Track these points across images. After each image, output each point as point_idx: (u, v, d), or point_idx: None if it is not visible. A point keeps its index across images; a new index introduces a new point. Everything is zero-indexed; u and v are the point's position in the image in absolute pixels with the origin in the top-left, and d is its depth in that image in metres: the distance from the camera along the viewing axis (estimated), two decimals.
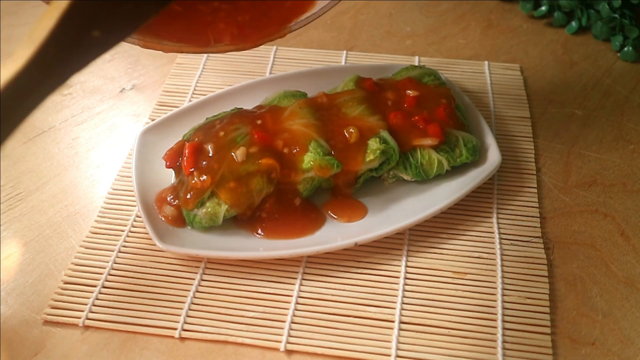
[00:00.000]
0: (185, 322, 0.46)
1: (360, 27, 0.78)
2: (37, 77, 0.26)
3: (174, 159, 0.53)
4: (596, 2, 0.75)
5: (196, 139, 0.52)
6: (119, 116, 0.66)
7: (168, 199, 0.52)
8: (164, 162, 0.54)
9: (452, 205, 0.53)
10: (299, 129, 0.52)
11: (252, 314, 0.47)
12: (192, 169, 0.50)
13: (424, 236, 0.53)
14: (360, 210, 0.53)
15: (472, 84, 0.69)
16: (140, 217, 0.53)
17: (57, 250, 0.52)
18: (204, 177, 0.49)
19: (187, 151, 0.51)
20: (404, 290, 0.49)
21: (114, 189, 0.57)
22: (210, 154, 0.51)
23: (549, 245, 0.52)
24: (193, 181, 0.49)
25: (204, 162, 0.50)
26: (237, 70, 0.70)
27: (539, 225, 0.53)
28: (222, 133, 0.52)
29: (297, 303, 0.48)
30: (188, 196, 0.49)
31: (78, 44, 0.28)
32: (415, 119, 0.54)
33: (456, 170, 0.55)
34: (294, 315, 0.47)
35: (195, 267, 0.50)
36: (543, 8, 0.78)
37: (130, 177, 0.56)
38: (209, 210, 0.49)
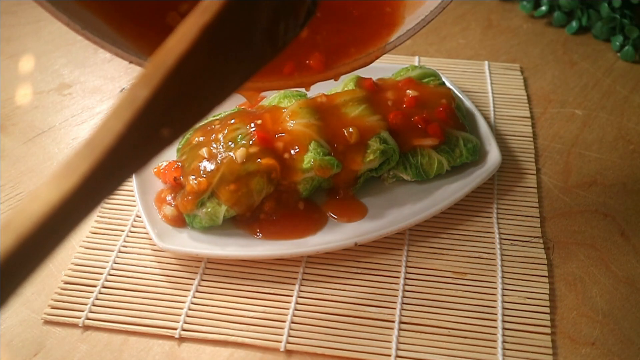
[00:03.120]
0: (185, 322, 0.46)
1: None
2: (92, 189, 0.22)
3: (165, 176, 0.53)
4: (596, 2, 0.75)
5: (178, 164, 0.52)
6: None
7: (167, 199, 0.52)
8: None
9: (452, 205, 0.53)
10: (299, 129, 0.52)
11: (252, 314, 0.47)
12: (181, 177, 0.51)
13: (424, 236, 0.53)
14: (360, 210, 0.53)
15: (472, 84, 0.69)
16: (140, 217, 0.53)
17: (57, 250, 0.52)
18: (201, 179, 0.49)
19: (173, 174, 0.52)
20: (404, 290, 0.49)
21: None
22: (210, 155, 0.51)
23: (549, 245, 0.52)
24: (191, 184, 0.49)
25: (203, 164, 0.50)
26: None
27: (539, 225, 0.53)
28: (222, 133, 0.52)
29: (297, 303, 0.48)
30: (186, 199, 0.49)
31: (145, 145, 0.24)
32: (415, 119, 0.54)
33: (456, 170, 0.55)
34: (294, 315, 0.47)
35: (195, 267, 0.50)
36: (543, 8, 0.78)
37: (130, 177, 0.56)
38: (209, 210, 0.49)
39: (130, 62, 0.37)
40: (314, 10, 0.32)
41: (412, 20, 0.40)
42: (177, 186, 0.52)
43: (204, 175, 0.50)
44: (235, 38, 0.25)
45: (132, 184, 0.53)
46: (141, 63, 0.36)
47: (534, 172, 0.58)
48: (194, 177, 0.50)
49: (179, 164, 0.52)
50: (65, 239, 0.21)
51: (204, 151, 0.51)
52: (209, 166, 0.50)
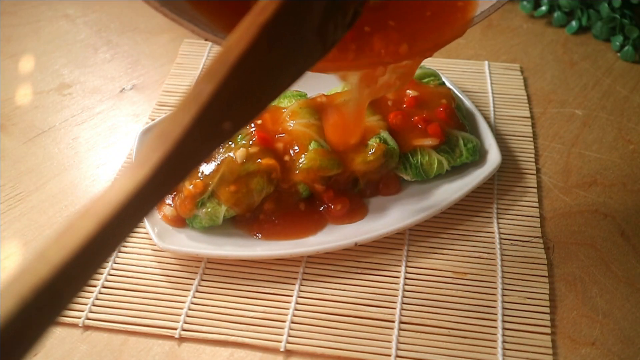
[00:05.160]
0: (185, 322, 0.46)
1: None
2: (162, 179, 0.23)
3: None
4: (596, 2, 0.75)
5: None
6: (119, 116, 0.66)
7: (165, 199, 0.52)
8: None
9: (452, 205, 0.53)
10: (299, 129, 0.52)
11: (252, 314, 0.47)
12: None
13: (424, 236, 0.53)
14: (360, 210, 0.53)
15: (472, 84, 0.69)
16: None
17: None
18: (197, 180, 0.49)
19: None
20: (404, 290, 0.49)
21: None
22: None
23: (549, 245, 0.52)
24: (188, 188, 0.49)
25: (202, 166, 0.50)
26: None
27: (539, 225, 0.53)
28: None
29: (297, 303, 0.48)
30: (184, 203, 0.50)
31: (209, 138, 0.25)
32: (415, 119, 0.54)
33: (456, 170, 0.55)
34: (294, 315, 0.47)
35: (195, 267, 0.50)
36: (543, 8, 0.78)
37: None
38: (209, 210, 0.49)
39: (206, 39, 0.37)
40: (360, 10, 0.33)
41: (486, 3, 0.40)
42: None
43: (201, 177, 0.50)
44: (290, 36, 0.27)
45: None
46: (217, 40, 0.36)
47: (534, 172, 0.58)
48: (189, 181, 0.50)
49: None
50: (137, 225, 0.23)
51: None
52: (207, 168, 0.50)
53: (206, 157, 0.26)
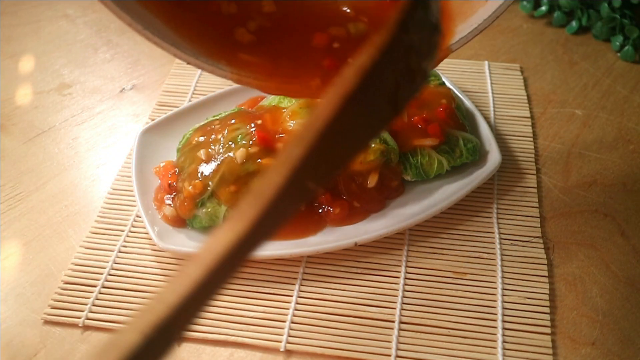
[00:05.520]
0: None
1: None
2: (256, 233, 0.26)
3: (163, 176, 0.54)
4: (596, 2, 0.75)
5: (175, 170, 0.52)
6: (119, 116, 0.66)
7: (166, 200, 0.52)
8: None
9: (452, 205, 0.53)
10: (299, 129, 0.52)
11: (252, 314, 0.47)
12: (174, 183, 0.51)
13: (424, 236, 0.53)
14: (371, 208, 0.53)
15: (472, 84, 0.69)
16: (140, 217, 0.53)
17: (57, 250, 0.52)
18: (197, 181, 0.49)
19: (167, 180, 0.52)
20: (404, 290, 0.49)
21: (114, 189, 0.57)
22: (207, 157, 0.51)
23: (549, 245, 0.52)
24: (187, 189, 0.49)
25: (200, 166, 0.50)
26: None
27: (539, 225, 0.53)
28: (222, 133, 0.52)
29: (297, 303, 0.48)
30: (184, 205, 0.50)
31: (296, 196, 0.28)
32: (415, 119, 0.54)
33: (456, 170, 0.55)
34: (294, 315, 0.47)
35: None
36: (543, 8, 0.78)
37: (130, 177, 0.56)
38: (209, 210, 0.49)
39: (188, 63, 0.38)
40: (427, 77, 0.37)
41: (464, 29, 0.41)
42: (172, 190, 0.52)
43: (200, 178, 0.50)
44: (367, 105, 0.31)
45: (132, 184, 0.53)
46: (198, 64, 0.38)
47: (534, 172, 0.58)
48: (189, 182, 0.50)
49: (176, 169, 0.52)
50: (235, 271, 0.26)
51: (201, 153, 0.51)
52: (207, 168, 0.50)
53: (293, 214, 0.29)
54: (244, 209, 0.26)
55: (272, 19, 0.42)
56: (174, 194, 0.52)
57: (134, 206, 0.55)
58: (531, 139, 0.62)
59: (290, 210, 0.28)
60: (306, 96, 0.43)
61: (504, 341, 0.45)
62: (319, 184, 0.29)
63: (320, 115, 0.28)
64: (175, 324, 0.23)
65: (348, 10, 0.44)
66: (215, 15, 0.41)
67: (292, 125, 0.52)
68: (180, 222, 0.51)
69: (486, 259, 0.51)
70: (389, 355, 0.44)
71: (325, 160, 0.29)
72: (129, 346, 0.22)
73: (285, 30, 0.42)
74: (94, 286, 0.49)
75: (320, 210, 0.52)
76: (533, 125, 0.63)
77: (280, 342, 0.45)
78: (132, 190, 0.55)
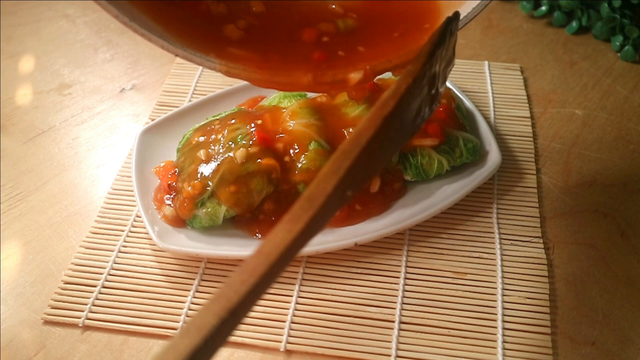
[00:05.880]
0: (185, 322, 0.46)
1: None
2: (306, 234, 0.30)
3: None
4: (596, 2, 0.75)
5: (175, 170, 0.52)
6: (119, 116, 0.66)
7: (166, 200, 0.52)
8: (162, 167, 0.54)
9: (452, 205, 0.53)
10: (299, 129, 0.52)
11: (252, 314, 0.47)
12: (173, 183, 0.52)
13: (424, 236, 0.53)
14: (374, 209, 0.53)
15: (472, 84, 0.69)
16: (140, 217, 0.53)
17: (57, 250, 0.52)
18: (196, 181, 0.49)
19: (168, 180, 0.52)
20: (404, 290, 0.49)
21: (114, 189, 0.57)
22: (207, 157, 0.51)
23: (549, 245, 0.52)
24: (187, 190, 0.49)
25: (200, 167, 0.50)
26: None
27: (539, 225, 0.53)
28: (222, 133, 0.52)
29: (297, 303, 0.48)
30: (184, 205, 0.50)
31: (337, 203, 0.32)
32: None
33: (456, 170, 0.55)
34: (294, 315, 0.47)
35: (195, 267, 0.50)
36: (543, 8, 0.78)
37: (130, 177, 0.56)
38: (209, 210, 0.49)
39: (176, 54, 0.38)
40: (439, 99, 0.42)
41: (464, 10, 0.41)
42: (172, 190, 0.52)
43: (200, 178, 0.50)
44: (399, 124, 0.35)
45: (132, 184, 0.53)
46: (187, 56, 0.39)
47: (534, 172, 0.58)
48: (188, 182, 0.50)
49: (176, 170, 0.52)
50: (289, 263, 0.30)
51: (201, 153, 0.51)
52: (206, 168, 0.50)
53: (330, 219, 0.33)
54: (299, 213, 0.30)
55: (261, 18, 0.42)
56: (174, 194, 0.52)
57: (134, 206, 0.55)
58: (531, 139, 0.62)
59: (330, 214, 0.32)
60: (296, 90, 0.43)
61: (504, 341, 0.45)
62: (354, 192, 0.34)
63: (364, 132, 0.33)
64: (242, 309, 0.28)
65: (336, 8, 0.44)
66: (205, 13, 0.41)
67: (292, 125, 0.52)
68: (180, 222, 0.51)
69: (486, 259, 0.51)
70: (389, 355, 0.44)
71: (362, 172, 0.33)
72: (208, 326, 0.26)
73: (275, 28, 0.42)
74: (94, 286, 0.49)
75: None
76: (533, 125, 0.63)
77: (280, 342, 0.45)
78: (132, 190, 0.55)
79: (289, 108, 0.54)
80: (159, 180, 0.54)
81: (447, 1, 0.43)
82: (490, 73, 0.70)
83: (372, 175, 0.37)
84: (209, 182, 0.50)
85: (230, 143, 0.51)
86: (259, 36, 0.42)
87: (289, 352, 0.45)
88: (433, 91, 0.40)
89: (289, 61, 0.41)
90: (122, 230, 0.53)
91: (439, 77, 0.40)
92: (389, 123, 0.34)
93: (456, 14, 0.40)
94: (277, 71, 0.40)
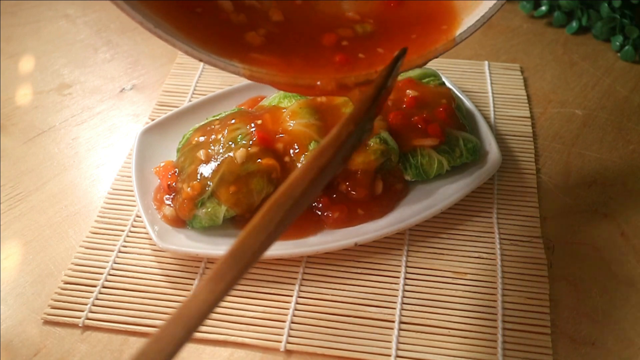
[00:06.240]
0: None
1: None
2: (231, 288, 0.29)
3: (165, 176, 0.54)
4: (596, 2, 0.75)
5: (175, 171, 0.52)
6: (119, 116, 0.66)
7: (165, 201, 0.52)
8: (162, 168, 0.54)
9: (452, 205, 0.53)
10: (299, 129, 0.52)
11: (252, 314, 0.47)
12: (173, 184, 0.52)
13: (424, 236, 0.53)
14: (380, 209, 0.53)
15: (472, 84, 0.69)
16: (140, 217, 0.53)
17: (57, 250, 0.52)
18: (195, 182, 0.49)
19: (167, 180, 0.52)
20: (404, 290, 0.49)
21: (114, 189, 0.57)
22: (207, 158, 0.51)
23: (549, 245, 0.52)
24: (186, 190, 0.49)
25: (200, 167, 0.50)
26: None
27: (539, 225, 0.53)
28: (222, 133, 0.52)
29: (297, 303, 0.48)
30: (183, 205, 0.50)
31: (263, 252, 0.31)
32: (416, 119, 0.54)
33: (456, 170, 0.55)
34: (294, 315, 0.47)
35: (195, 267, 0.50)
36: (543, 8, 0.78)
37: (130, 177, 0.56)
38: (209, 210, 0.49)
39: (200, 60, 0.39)
40: (369, 135, 0.44)
41: (471, 20, 0.42)
42: (171, 191, 0.52)
43: (199, 179, 0.50)
44: (332, 167, 0.34)
45: (132, 184, 0.53)
46: (211, 61, 0.39)
47: (534, 172, 0.58)
48: (188, 183, 0.50)
49: (176, 170, 0.52)
50: (203, 321, 0.29)
51: (201, 153, 0.51)
52: (206, 169, 0.50)
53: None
54: (223, 270, 0.29)
55: (280, 26, 0.43)
56: (173, 194, 0.52)
57: (134, 206, 0.55)
58: (531, 139, 0.61)
59: (255, 262, 0.31)
60: (320, 94, 0.43)
61: (504, 341, 0.45)
62: (284, 231, 0.33)
63: (298, 184, 0.32)
64: None
65: (353, 15, 0.44)
66: (226, 22, 0.42)
67: (292, 125, 0.52)
68: (180, 222, 0.51)
69: (486, 259, 0.51)
70: (389, 355, 0.44)
71: (295, 214, 0.33)
72: None
73: (295, 34, 0.43)
74: (94, 286, 0.49)
75: (319, 213, 0.52)
76: (533, 125, 0.63)
77: (280, 342, 0.45)
78: (132, 190, 0.55)
79: (289, 108, 0.54)
80: (159, 180, 0.54)
81: (462, 1, 0.43)
82: (490, 73, 0.70)
83: (302, 211, 0.35)
84: (209, 182, 0.50)
85: (230, 143, 0.51)
86: (280, 42, 0.42)
87: (289, 352, 0.45)
88: (363, 135, 0.39)
89: (312, 65, 0.41)
90: (122, 230, 0.53)
91: (368, 124, 0.39)
92: (325, 172, 0.33)
93: (401, 52, 0.40)
94: (300, 74, 0.41)
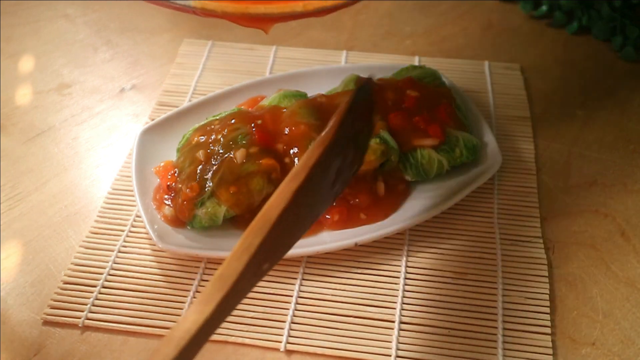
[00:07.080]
0: None
1: (360, 27, 0.78)
2: (220, 311, 0.30)
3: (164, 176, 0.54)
4: (596, 2, 0.75)
5: (175, 171, 0.52)
6: (119, 116, 0.66)
7: (164, 199, 0.52)
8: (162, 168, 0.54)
9: (452, 205, 0.53)
10: (299, 129, 0.52)
11: (252, 314, 0.47)
12: (173, 184, 0.52)
13: (424, 236, 0.53)
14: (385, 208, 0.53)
15: (472, 84, 0.68)
16: (140, 217, 0.53)
17: (57, 250, 0.52)
18: (194, 183, 0.49)
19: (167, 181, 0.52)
20: (404, 290, 0.49)
21: (114, 189, 0.57)
22: (206, 158, 0.51)
23: (549, 245, 0.52)
24: (185, 191, 0.49)
25: (199, 167, 0.50)
26: (237, 70, 0.70)
27: (539, 225, 0.53)
28: (221, 133, 0.52)
29: (297, 303, 0.48)
30: (183, 206, 0.50)
31: (253, 277, 0.33)
32: (416, 119, 0.54)
33: (456, 170, 0.55)
34: (294, 315, 0.47)
35: (195, 267, 0.50)
36: (543, 8, 0.78)
37: (130, 177, 0.56)
38: (209, 210, 0.49)
39: (176, 9, 0.40)
40: (360, 166, 0.42)
41: None
42: (171, 191, 0.52)
43: (199, 179, 0.50)
44: (313, 193, 0.35)
45: (132, 184, 0.53)
46: (164, 3, 0.40)
47: (534, 172, 0.58)
48: (187, 184, 0.50)
49: (176, 170, 0.52)
50: (202, 346, 0.30)
51: (200, 153, 0.51)
52: (206, 169, 0.50)
53: (250, 291, 0.34)
54: (211, 293, 0.30)
55: None
56: (173, 194, 0.52)
57: (134, 206, 0.55)
58: (531, 139, 0.61)
59: (247, 289, 0.33)
60: (270, 24, 0.44)
61: (504, 341, 0.45)
62: (271, 264, 0.34)
63: (273, 208, 0.33)
64: None
65: None
66: None
67: (292, 125, 0.52)
68: (180, 222, 0.51)
69: (486, 259, 0.51)
70: (389, 355, 0.44)
71: (279, 243, 0.33)
72: None
73: None
74: (94, 286, 0.49)
75: None
76: (533, 125, 0.63)
77: (280, 342, 0.45)
78: (132, 190, 0.55)
79: (289, 108, 0.54)
80: (158, 180, 0.54)
81: None
82: (490, 73, 0.70)
83: (291, 244, 0.36)
84: (209, 183, 0.49)
85: (230, 143, 0.51)
86: None
87: (289, 352, 0.45)
88: (351, 155, 0.39)
89: None
90: (122, 231, 0.53)
91: (357, 141, 0.40)
92: (301, 195, 0.33)
93: (368, 80, 0.40)
94: (251, 3, 0.41)
